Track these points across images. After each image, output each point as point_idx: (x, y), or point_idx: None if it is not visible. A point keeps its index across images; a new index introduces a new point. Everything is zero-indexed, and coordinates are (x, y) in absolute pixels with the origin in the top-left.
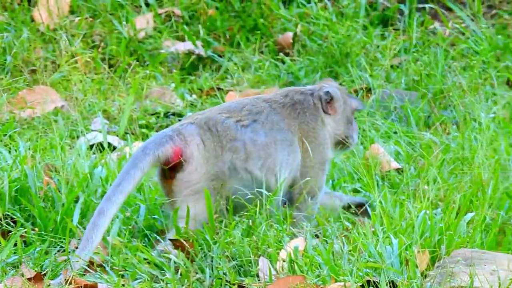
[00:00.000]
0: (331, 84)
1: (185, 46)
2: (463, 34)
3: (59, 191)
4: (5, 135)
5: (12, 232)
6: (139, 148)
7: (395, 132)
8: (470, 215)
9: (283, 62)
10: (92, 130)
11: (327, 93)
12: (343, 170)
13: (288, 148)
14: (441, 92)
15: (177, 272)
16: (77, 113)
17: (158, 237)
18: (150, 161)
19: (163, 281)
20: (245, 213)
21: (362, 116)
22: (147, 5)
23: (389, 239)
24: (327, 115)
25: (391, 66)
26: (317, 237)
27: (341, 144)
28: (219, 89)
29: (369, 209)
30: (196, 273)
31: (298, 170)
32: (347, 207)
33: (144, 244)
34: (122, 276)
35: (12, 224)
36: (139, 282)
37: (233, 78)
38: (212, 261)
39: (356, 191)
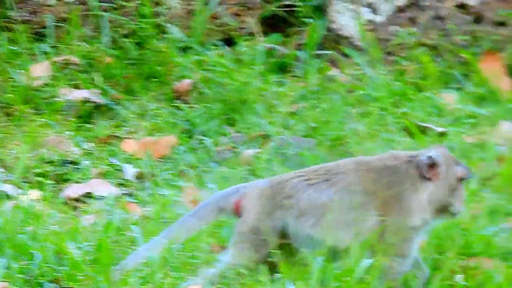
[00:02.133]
0: (439, 150)
1: (81, 94)
2: (361, 80)
3: None
4: None
5: None
6: (208, 197)
7: None
8: (368, 261)
9: (180, 109)
10: None
11: (429, 157)
12: None
13: (356, 212)
14: (339, 139)
15: None
16: None
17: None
18: (211, 210)
19: None
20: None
21: (260, 162)
22: (44, 53)
23: (284, 286)
24: (425, 181)
25: (289, 113)
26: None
27: (444, 211)
28: (115, 137)
29: None
30: None
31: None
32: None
33: None
34: None
35: None
36: None
37: (130, 126)
38: None
39: None
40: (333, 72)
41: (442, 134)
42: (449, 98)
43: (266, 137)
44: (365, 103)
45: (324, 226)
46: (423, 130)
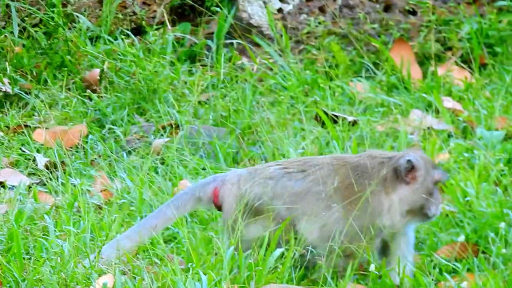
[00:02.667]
0: (417, 153)
1: None
2: (271, 69)
3: None
4: None
5: None
6: (185, 188)
7: (204, 169)
8: (279, 250)
9: (90, 99)
10: None
11: (409, 161)
12: (151, 206)
13: (323, 203)
14: (249, 128)
15: None
16: None
17: None
18: (188, 200)
19: None
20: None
21: (170, 152)
22: None
23: (198, 275)
24: (403, 184)
25: (199, 102)
26: (125, 274)
27: (417, 214)
28: (26, 126)
29: None
30: None
31: (339, 228)
32: None
33: None
34: None
35: None
36: None
37: (40, 115)
38: None
39: (165, 228)
40: (243, 61)
41: (353, 123)
42: (360, 87)
43: (176, 126)
44: (276, 92)
45: (295, 212)
46: (334, 119)
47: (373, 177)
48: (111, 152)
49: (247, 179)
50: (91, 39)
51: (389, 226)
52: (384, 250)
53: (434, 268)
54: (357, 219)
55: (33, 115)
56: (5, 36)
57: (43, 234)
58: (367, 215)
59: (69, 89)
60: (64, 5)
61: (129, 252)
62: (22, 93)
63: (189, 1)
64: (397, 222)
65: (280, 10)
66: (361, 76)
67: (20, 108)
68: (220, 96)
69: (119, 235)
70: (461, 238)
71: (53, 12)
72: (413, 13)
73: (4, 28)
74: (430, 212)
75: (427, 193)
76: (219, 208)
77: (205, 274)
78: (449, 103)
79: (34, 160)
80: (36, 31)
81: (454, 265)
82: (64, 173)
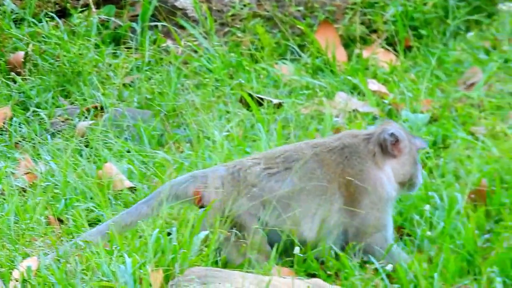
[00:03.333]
0: (392, 125)
1: None
2: (196, 52)
3: None
4: None
5: None
6: (162, 185)
7: (128, 151)
8: (204, 233)
9: (15, 82)
10: None
11: (392, 134)
12: (76, 189)
13: (319, 198)
14: (174, 110)
15: None
16: None
17: None
18: (166, 198)
19: None
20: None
21: (95, 134)
22: None
23: (122, 258)
24: (391, 158)
25: (124, 85)
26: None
27: (406, 184)
28: None
29: None
30: None
31: (342, 215)
32: None
33: None
34: None
35: None
36: None
37: None
38: None
39: (90, 210)
40: (168, 43)
41: (278, 106)
42: (285, 69)
43: (101, 108)
44: (200, 74)
45: (290, 217)
46: (259, 102)
47: (362, 155)
48: (36, 135)
49: (231, 184)
50: (15, 21)
51: (393, 197)
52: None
53: (359, 250)
54: (360, 202)
55: None
56: None
57: None
58: (369, 193)
59: None
60: None
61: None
62: None
63: None
64: (395, 194)
65: None
66: (286, 59)
67: None
68: (144, 78)
69: (89, 231)
70: None
71: None
72: None
73: None
74: (418, 180)
75: (414, 163)
76: (200, 207)
77: (129, 257)
78: (374, 85)
79: None
80: None
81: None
82: None
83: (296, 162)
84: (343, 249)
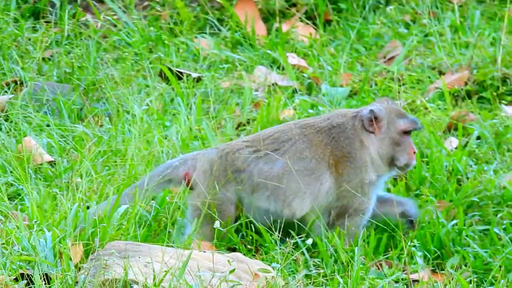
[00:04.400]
0: (383, 103)
1: None
2: (115, 26)
3: None
4: None
5: None
6: (154, 169)
7: (48, 125)
8: (124, 207)
9: None
10: None
11: (371, 111)
12: None
13: (308, 178)
14: (93, 84)
15: None
16: None
17: None
18: (158, 181)
19: None
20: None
21: (14, 108)
22: None
23: (42, 232)
24: (370, 135)
25: (43, 59)
26: None
27: (393, 164)
28: None
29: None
30: None
31: (330, 195)
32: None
33: None
34: None
35: None
36: None
37: None
38: None
39: (9, 184)
40: (87, 17)
41: (197, 79)
42: (204, 43)
43: (20, 83)
44: (120, 48)
45: (280, 197)
46: (179, 76)
47: (349, 134)
48: None
49: (219, 167)
50: None
51: (375, 180)
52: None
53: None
54: (348, 182)
55: None
56: None
57: None
58: (356, 174)
59: None
60: None
61: None
62: None
63: None
64: (382, 173)
65: None
66: (205, 33)
67: None
68: (64, 52)
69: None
70: None
71: None
72: None
73: None
74: (399, 162)
75: (393, 143)
76: (191, 188)
77: (49, 231)
78: (293, 59)
79: None
80: None
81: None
82: None
83: (285, 143)
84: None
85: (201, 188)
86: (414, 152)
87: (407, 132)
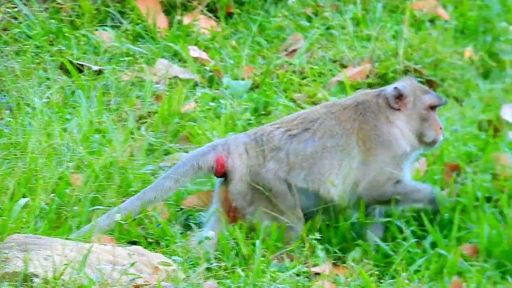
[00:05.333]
0: (406, 81)
1: None
2: (16, 18)
3: None
4: None
5: None
6: (183, 157)
7: None
8: (24, 200)
9: None
10: None
11: (395, 88)
12: None
13: (341, 154)
14: None
15: None
16: None
17: None
18: (187, 170)
19: None
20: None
21: None
22: None
23: None
24: (396, 112)
25: None
26: None
27: (422, 140)
28: None
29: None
30: None
31: (359, 171)
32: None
33: None
34: None
35: None
36: None
37: None
38: None
39: None
40: None
41: (98, 72)
42: (105, 36)
43: None
44: (20, 41)
45: (315, 176)
46: (80, 68)
47: (374, 110)
48: None
49: (256, 149)
50: None
51: (409, 152)
52: None
53: (182, 216)
54: (378, 158)
55: None
56: None
57: None
58: (383, 150)
59: None
60: None
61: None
62: None
63: None
64: (414, 147)
65: None
66: (106, 25)
67: None
68: None
69: (116, 207)
70: (208, 187)
71: None
72: None
73: None
74: (427, 138)
75: (420, 119)
76: (221, 176)
77: None
78: (195, 52)
79: None
80: None
81: (200, 213)
82: None
83: (313, 123)
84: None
85: (241, 171)
86: (441, 128)
87: (433, 108)
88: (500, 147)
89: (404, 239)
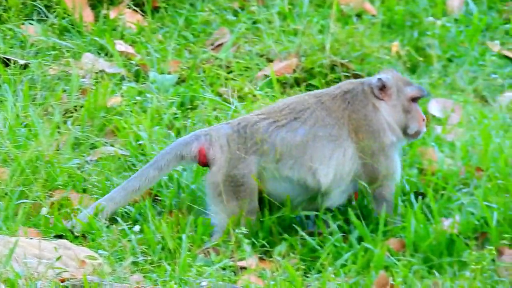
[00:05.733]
0: (389, 72)
1: None
2: None
3: None
4: None
5: None
6: (166, 147)
7: None
8: None
9: None
10: None
11: (379, 79)
12: None
13: (333, 144)
14: None
15: None
16: None
17: None
18: (170, 159)
19: None
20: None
21: None
22: None
23: None
24: (381, 101)
25: None
26: None
27: (405, 132)
28: None
29: None
30: None
31: (354, 163)
32: None
33: None
34: None
35: None
36: None
37: None
38: None
39: None
40: None
41: (24, 66)
42: (32, 30)
43: None
44: None
45: (305, 166)
46: (6, 62)
47: (361, 98)
48: None
49: (238, 142)
50: None
51: (396, 141)
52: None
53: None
54: (368, 147)
55: None
56: None
57: None
58: (375, 139)
59: None
60: None
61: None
62: None
63: None
64: (399, 137)
65: None
66: (32, 19)
67: None
68: None
69: (101, 198)
70: None
71: None
72: None
73: None
74: (410, 130)
75: (404, 111)
76: (204, 165)
77: None
78: (121, 46)
79: None
80: None
81: (127, 209)
82: None
83: (303, 112)
84: (350, 198)
85: (220, 163)
86: (424, 120)
87: (415, 100)
88: (427, 141)
89: (331, 233)
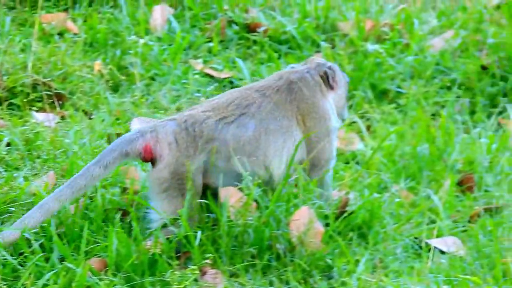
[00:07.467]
0: (321, 60)
1: None
2: None
3: None
4: None
5: None
6: (110, 144)
7: None
8: None
9: None
10: None
11: (330, 67)
12: None
13: (284, 136)
14: None
15: None
16: None
17: None
18: (116, 157)
19: None
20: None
21: None
22: None
23: None
24: (330, 90)
25: None
26: None
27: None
28: None
29: None
30: None
31: (303, 149)
32: None
33: None
34: None
35: None
36: None
37: None
38: None
39: None
40: None
41: None
42: None
43: None
44: None
45: (259, 159)
46: None
47: (311, 86)
48: None
49: (186, 140)
50: None
51: (336, 128)
52: None
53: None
54: (315, 134)
55: None
56: None
57: None
58: (322, 123)
59: None
60: None
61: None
62: None
63: None
64: (339, 123)
65: None
66: None
67: None
68: None
69: (46, 197)
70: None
71: None
72: None
73: None
74: (344, 116)
75: (346, 97)
76: (148, 161)
77: None
78: None
79: None
80: None
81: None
82: None
83: (250, 107)
84: None
85: (168, 160)
86: None
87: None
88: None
89: (33, 252)
